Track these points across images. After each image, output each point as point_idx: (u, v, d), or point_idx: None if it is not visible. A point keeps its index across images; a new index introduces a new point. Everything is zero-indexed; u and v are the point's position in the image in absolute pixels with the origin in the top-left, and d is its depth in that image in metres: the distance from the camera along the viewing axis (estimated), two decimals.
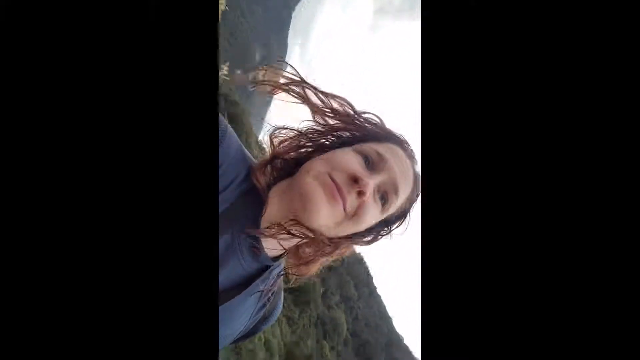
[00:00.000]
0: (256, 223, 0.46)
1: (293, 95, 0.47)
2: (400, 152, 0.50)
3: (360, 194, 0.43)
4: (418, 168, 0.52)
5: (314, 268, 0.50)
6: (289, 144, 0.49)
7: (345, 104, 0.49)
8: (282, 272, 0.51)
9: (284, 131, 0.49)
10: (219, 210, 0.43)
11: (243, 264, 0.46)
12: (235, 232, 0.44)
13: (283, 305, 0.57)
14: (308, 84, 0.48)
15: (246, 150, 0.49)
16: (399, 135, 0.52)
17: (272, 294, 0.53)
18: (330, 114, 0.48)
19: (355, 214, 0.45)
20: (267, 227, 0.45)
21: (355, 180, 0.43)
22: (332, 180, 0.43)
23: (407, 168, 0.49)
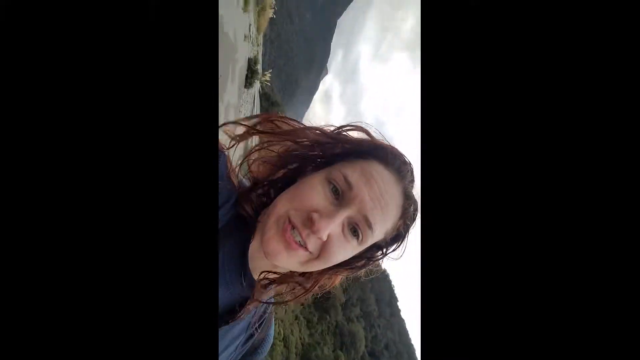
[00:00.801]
0: (245, 248, 0.44)
1: (264, 133, 0.44)
2: (381, 169, 0.42)
3: (316, 233, 0.39)
4: (413, 185, 0.45)
5: (304, 297, 0.47)
6: (267, 168, 0.46)
7: (318, 130, 0.45)
8: (271, 299, 0.48)
9: (261, 153, 0.46)
10: None
11: (231, 289, 0.44)
12: (224, 256, 0.43)
13: (303, 305, 0.51)
14: (277, 116, 0.46)
15: (240, 174, 0.48)
16: (386, 147, 0.44)
17: (260, 324, 0.49)
18: (309, 145, 0.44)
19: (321, 254, 0.40)
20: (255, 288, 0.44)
21: (313, 222, 0.39)
22: (290, 222, 0.40)
23: (385, 191, 0.42)
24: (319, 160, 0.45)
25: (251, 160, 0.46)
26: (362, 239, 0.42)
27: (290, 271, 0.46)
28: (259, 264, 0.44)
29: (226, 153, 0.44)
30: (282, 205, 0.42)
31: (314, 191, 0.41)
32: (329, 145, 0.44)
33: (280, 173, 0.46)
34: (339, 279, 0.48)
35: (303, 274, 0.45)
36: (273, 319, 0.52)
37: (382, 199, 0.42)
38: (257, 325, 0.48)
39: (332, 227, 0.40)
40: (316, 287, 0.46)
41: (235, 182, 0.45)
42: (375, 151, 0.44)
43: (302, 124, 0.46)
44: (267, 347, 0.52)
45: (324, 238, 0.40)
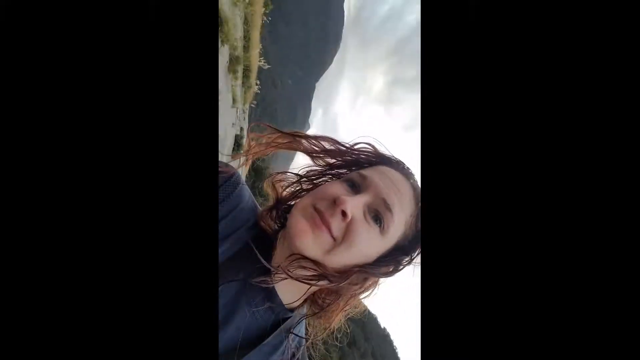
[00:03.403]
0: (265, 267, 0.43)
1: (284, 148, 0.47)
2: (389, 169, 0.47)
3: (343, 214, 0.41)
4: (413, 182, 0.48)
5: (336, 317, 0.47)
6: (291, 188, 0.49)
7: (334, 141, 0.48)
8: (306, 337, 0.47)
9: (284, 175, 0.49)
10: (230, 253, 0.43)
11: (255, 314, 0.43)
12: (245, 276, 0.43)
13: (333, 330, 0.49)
14: (294, 133, 0.48)
15: (256, 202, 0.49)
16: (391, 157, 0.49)
17: (293, 358, 0.46)
18: (324, 154, 0.48)
19: (344, 238, 0.41)
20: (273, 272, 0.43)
21: (335, 202, 0.41)
22: (316, 209, 0.42)
23: (396, 182, 0.45)
24: (335, 172, 0.49)
25: (276, 182, 0.49)
26: (384, 226, 0.43)
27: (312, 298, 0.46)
28: (282, 281, 0.44)
29: (244, 183, 0.47)
30: (307, 199, 0.44)
31: (334, 185, 0.45)
32: (352, 159, 0.48)
33: (308, 188, 0.49)
34: (369, 288, 0.47)
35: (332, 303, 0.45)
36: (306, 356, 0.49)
37: (395, 186, 0.45)
38: None
39: (354, 204, 0.42)
40: (345, 285, 0.44)
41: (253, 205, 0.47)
42: (382, 159, 0.49)
43: (321, 137, 0.49)
44: None
45: (349, 214, 0.41)
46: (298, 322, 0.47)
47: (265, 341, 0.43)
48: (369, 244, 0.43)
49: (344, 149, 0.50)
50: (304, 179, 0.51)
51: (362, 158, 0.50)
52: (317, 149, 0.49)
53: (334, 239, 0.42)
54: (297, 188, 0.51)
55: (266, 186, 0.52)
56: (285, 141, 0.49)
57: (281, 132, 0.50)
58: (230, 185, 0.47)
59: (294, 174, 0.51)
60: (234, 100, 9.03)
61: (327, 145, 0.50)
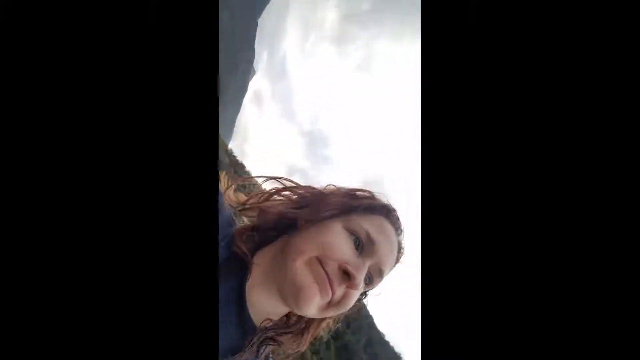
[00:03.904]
0: (242, 289, 0.44)
1: (284, 198, 0.48)
2: (388, 226, 0.49)
3: (352, 287, 0.43)
4: (401, 237, 0.52)
5: (305, 339, 0.50)
6: (271, 213, 0.48)
7: (337, 189, 0.51)
8: (269, 341, 0.48)
9: (278, 193, 0.49)
10: None
11: (226, 334, 0.43)
12: (222, 295, 0.42)
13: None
14: (289, 186, 0.50)
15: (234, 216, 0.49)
16: (387, 205, 0.52)
17: None
18: (324, 205, 0.48)
19: (340, 302, 0.44)
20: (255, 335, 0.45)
21: (346, 273, 0.43)
22: (324, 270, 0.43)
23: (393, 245, 0.49)
24: (333, 211, 0.48)
25: (251, 210, 0.48)
26: (371, 287, 0.48)
27: (286, 316, 0.48)
28: (257, 302, 0.45)
29: (227, 202, 0.47)
30: (310, 249, 0.44)
31: (339, 241, 0.45)
32: (350, 202, 0.49)
33: (287, 219, 0.48)
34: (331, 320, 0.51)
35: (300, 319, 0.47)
36: None
37: (392, 249, 0.48)
38: None
39: (361, 278, 0.44)
40: (317, 330, 0.48)
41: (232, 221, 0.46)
42: (381, 209, 0.51)
43: (313, 187, 0.50)
44: None
45: (360, 290, 0.44)
46: (266, 339, 0.48)
47: (237, 354, 0.45)
48: (353, 302, 0.47)
49: (345, 193, 0.51)
50: (293, 203, 0.50)
51: (359, 203, 0.50)
52: (324, 206, 0.49)
53: (331, 301, 0.45)
54: (290, 209, 0.49)
55: (251, 199, 0.49)
56: (286, 193, 0.49)
57: (290, 187, 0.50)
58: None
59: (290, 196, 0.50)
60: None
61: (327, 193, 0.51)
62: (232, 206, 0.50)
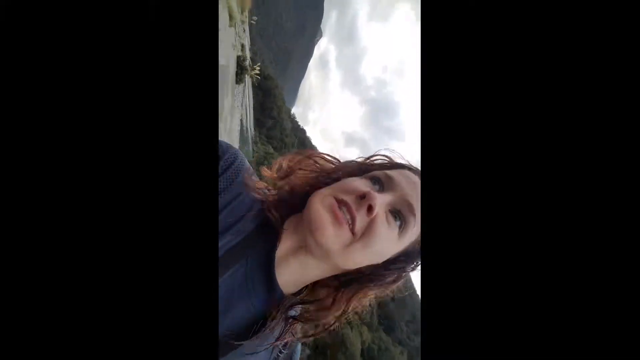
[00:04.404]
0: (270, 257, 0.44)
1: (308, 169, 0.47)
2: (412, 174, 0.46)
3: (370, 209, 0.40)
4: None
5: (332, 314, 0.45)
6: (305, 175, 0.48)
7: (350, 161, 0.50)
8: (295, 316, 0.45)
9: (306, 161, 0.48)
10: (232, 244, 0.42)
11: (254, 303, 0.43)
12: (248, 265, 0.42)
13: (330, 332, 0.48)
14: (317, 153, 0.49)
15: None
16: (410, 165, 0.49)
17: (285, 347, 0.47)
18: (343, 175, 0.47)
19: (364, 235, 0.41)
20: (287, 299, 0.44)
21: (363, 197, 0.41)
22: (339, 200, 0.41)
23: (419, 187, 0.45)
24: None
25: (292, 174, 0.47)
26: (404, 227, 0.43)
27: (319, 282, 0.46)
28: (286, 271, 0.44)
29: (247, 165, 0.47)
30: (324, 190, 0.43)
31: (357, 181, 0.44)
32: (361, 167, 0.48)
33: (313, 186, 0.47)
34: (367, 299, 0.47)
35: (333, 299, 0.45)
36: (299, 345, 0.51)
37: (418, 190, 0.44)
38: (280, 348, 0.47)
39: (381, 201, 0.41)
40: (347, 306, 0.44)
41: (257, 192, 0.46)
42: (404, 165, 0.49)
43: (337, 159, 0.50)
44: None
45: (376, 210, 0.41)
46: (292, 308, 0.46)
47: (259, 333, 0.43)
48: (386, 244, 0.43)
49: (363, 162, 0.50)
50: (324, 174, 0.48)
51: (382, 166, 0.49)
52: (336, 172, 0.48)
53: (354, 234, 0.41)
54: (315, 181, 0.48)
55: (274, 171, 0.48)
56: (306, 170, 0.48)
57: (299, 153, 0.49)
58: (233, 172, 0.45)
59: (315, 169, 0.49)
60: (230, 17, 7.54)
61: (344, 164, 0.49)
62: (263, 187, 0.49)
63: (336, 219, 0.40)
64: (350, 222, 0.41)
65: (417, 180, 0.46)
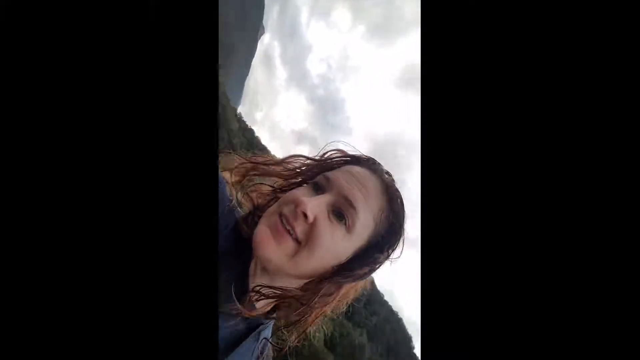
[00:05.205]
0: (245, 271, 0.45)
1: (255, 176, 0.49)
2: (354, 167, 0.47)
3: (304, 216, 0.42)
4: (387, 178, 0.48)
5: (311, 323, 0.47)
6: (265, 197, 0.50)
7: (305, 157, 0.51)
8: (269, 338, 0.48)
9: (259, 187, 0.50)
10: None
11: (231, 320, 0.43)
12: (222, 281, 0.41)
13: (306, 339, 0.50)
14: (265, 161, 0.50)
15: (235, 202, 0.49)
16: (360, 156, 0.50)
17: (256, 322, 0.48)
18: (296, 175, 0.49)
19: (308, 241, 0.42)
20: (245, 298, 0.44)
21: (298, 206, 0.42)
22: (281, 215, 0.43)
23: (361, 178, 0.45)
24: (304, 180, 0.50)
25: (252, 192, 0.50)
26: (348, 224, 0.43)
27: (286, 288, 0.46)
28: (260, 281, 0.45)
29: (225, 181, 0.48)
30: (272, 208, 0.46)
31: (297, 191, 0.46)
32: (314, 169, 0.50)
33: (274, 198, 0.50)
34: (342, 291, 0.47)
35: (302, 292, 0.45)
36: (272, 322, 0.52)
37: (359, 182, 0.45)
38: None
39: (316, 205, 0.42)
40: (317, 299, 0.44)
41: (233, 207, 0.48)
42: (351, 160, 0.50)
43: (290, 157, 0.51)
44: None
45: (310, 215, 0.42)
46: (265, 327, 0.48)
47: (240, 346, 0.44)
48: (336, 243, 0.44)
49: (315, 162, 0.51)
50: (278, 190, 0.51)
51: (333, 163, 0.50)
52: (289, 172, 0.50)
53: (299, 242, 0.43)
54: (271, 197, 0.51)
55: (241, 196, 0.51)
56: (257, 172, 0.51)
57: (252, 162, 0.51)
58: None
59: (269, 186, 0.52)
60: None
61: (297, 164, 0.51)
62: (234, 184, 0.51)
63: (277, 232, 0.42)
64: (292, 232, 0.42)
65: (358, 172, 0.46)
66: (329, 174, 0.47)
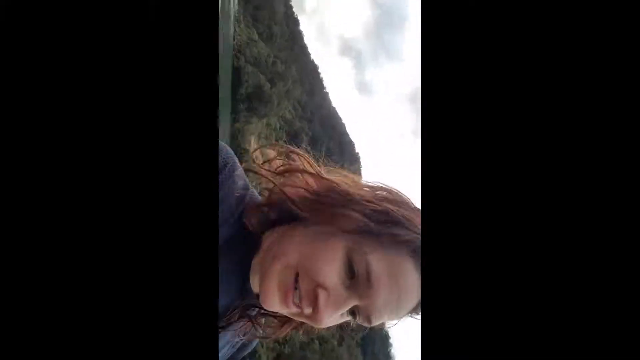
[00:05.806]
0: (247, 263, 0.44)
1: (302, 181, 0.43)
2: (408, 266, 0.39)
3: (314, 319, 0.39)
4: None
5: (285, 332, 0.48)
6: (294, 190, 0.43)
7: (369, 191, 0.43)
8: (249, 310, 0.47)
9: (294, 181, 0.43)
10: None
11: (227, 300, 0.44)
12: (225, 269, 0.41)
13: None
14: (307, 161, 0.44)
15: (248, 182, 0.45)
16: (405, 219, 0.40)
17: (244, 335, 0.48)
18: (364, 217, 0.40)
19: (311, 318, 0.39)
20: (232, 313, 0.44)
21: (317, 297, 0.37)
22: (297, 279, 0.38)
23: (404, 293, 0.39)
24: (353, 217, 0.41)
25: (285, 186, 0.43)
26: (358, 323, 0.42)
27: None
28: (255, 279, 0.44)
29: (239, 171, 0.44)
30: (293, 255, 0.39)
31: (331, 262, 0.38)
32: (365, 222, 0.40)
33: (294, 208, 0.42)
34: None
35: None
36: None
37: (398, 301, 0.39)
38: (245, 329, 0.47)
39: (333, 314, 0.38)
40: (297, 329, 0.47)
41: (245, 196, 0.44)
42: (409, 243, 0.40)
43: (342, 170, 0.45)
44: (255, 342, 0.54)
45: (322, 325, 0.40)
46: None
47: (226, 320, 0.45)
48: (337, 322, 0.42)
49: (371, 210, 0.41)
50: (314, 194, 0.43)
51: (386, 232, 0.40)
52: (337, 218, 0.41)
53: (302, 311, 0.40)
54: (302, 198, 0.43)
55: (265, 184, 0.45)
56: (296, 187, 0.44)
57: (320, 176, 0.43)
58: (224, 178, 0.42)
59: (306, 190, 0.44)
60: None
61: (350, 199, 0.42)
62: (254, 170, 0.46)
63: (284, 304, 0.39)
64: (297, 304, 0.39)
65: (403, 273, 0.39)
66: (374, 272, 0.38)
